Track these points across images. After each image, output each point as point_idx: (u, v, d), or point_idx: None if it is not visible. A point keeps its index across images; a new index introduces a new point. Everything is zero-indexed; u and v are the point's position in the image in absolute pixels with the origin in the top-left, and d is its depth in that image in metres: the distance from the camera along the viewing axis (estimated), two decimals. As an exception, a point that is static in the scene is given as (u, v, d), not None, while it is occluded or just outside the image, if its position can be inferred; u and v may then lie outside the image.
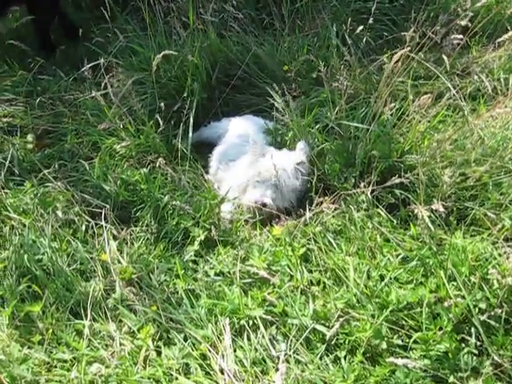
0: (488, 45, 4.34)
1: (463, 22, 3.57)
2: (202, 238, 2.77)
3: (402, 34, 3.37)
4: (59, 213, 2.98)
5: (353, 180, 2.97)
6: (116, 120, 3.33)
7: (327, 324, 2.37)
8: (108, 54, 3.74)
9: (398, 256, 2.63)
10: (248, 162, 3.13)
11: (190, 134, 3.26)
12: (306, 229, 2.79)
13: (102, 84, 3.36)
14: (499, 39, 3.15)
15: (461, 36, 3.35)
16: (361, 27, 3.28)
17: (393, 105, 3.05)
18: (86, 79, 3.69)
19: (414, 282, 2.51)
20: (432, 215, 2.67)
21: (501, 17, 4.47)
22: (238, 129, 3.53)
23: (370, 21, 3.45)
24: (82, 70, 3.39)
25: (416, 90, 3.63)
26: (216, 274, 2.67)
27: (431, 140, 2.97)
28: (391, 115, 3.05)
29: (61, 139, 3.60)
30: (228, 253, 2.75)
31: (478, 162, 2.93)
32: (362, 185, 2.88)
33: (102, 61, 3.40)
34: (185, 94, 3.61)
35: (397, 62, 3.06)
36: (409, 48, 3.06)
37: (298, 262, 2.63)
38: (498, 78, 3.84)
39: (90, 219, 2.99)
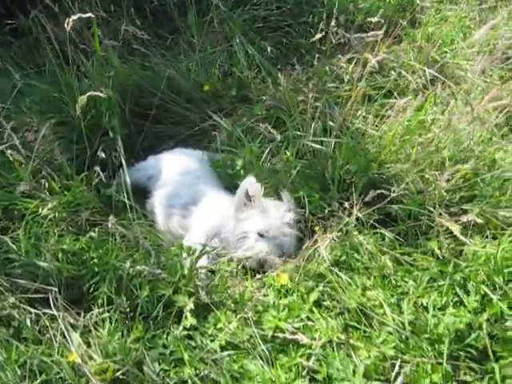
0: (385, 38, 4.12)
1: (374, 19, 3.29)
2: (192, 306, 2.14)
3: (316, 38, 2.94)
4: (-13, 308, 2.18)
5: (336, 204, 2.51)
6: (30, 177, 2.56)
7: (383, 378, 1.90)
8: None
9: (417, 279, 2.22)
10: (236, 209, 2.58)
11: (128, 180, 2.58)
12: (311, 268, 2.28)
13: (5, 136, 2.55)
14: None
15: (381, 32, 3.01)
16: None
17: (360, 112, 2.66)
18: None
19: (451, 304, 2.12)
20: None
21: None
22: (176, 166, 2.92)
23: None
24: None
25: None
26: (223, 348, 2.06)
27: (410, 144, 2.60)
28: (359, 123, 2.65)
29: (-41, 211, 2.72)
30: (229, 318, 2.15)
31: (454, 160, 2.63)
32: (347, 205, 2.45)
33: (-4, 107, 2.60)
34: (100, 134, 2.92)
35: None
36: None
37: (317, 310, 2.13)
38: (414, 70, 3.61)
39: (31, 309, 2.22)
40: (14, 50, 3.59)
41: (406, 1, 4.32)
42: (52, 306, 2.18)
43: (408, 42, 3.97)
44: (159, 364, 2.02)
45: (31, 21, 3.47)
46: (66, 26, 2.45)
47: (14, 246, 2.40)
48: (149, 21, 3.82)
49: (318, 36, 2.71)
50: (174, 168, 2.90)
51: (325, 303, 2.19)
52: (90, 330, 2.18)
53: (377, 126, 2.88)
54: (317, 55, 3.63)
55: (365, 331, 2.07)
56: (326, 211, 2.53)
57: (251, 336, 2.05)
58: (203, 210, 2.63)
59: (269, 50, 3.76)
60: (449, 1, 4.44)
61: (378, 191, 2.27)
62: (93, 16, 2.43)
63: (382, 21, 3.31)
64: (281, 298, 2.20)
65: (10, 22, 3.53)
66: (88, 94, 2.29)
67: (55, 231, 2.50)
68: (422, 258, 2.31)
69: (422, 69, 3.51)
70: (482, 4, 4.39)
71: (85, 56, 3.04)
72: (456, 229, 2.07)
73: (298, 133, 2.72)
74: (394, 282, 2.23)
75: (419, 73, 3.53)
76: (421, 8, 4.30)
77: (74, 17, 2.44)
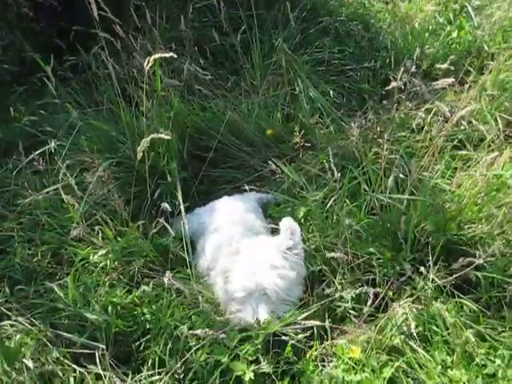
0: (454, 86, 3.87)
1: (444, 66, 3.06)
2: (251, 375, 1.89)
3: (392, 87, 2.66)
4: (29, 362, 1.97)
5: (409, 266, 2.24)
6: (83, 221, 2.37)
7: None
8: (50, 136, 2.74)
9: (505, 358, 1.94)
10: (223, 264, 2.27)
11: (187, 229, 2.35)
12: (383, 340, 2.01)
13: (60, 175, 2.39)
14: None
15: (452, 79, 2.75)
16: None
17: (438, 167, 2.41)
18: (22, 169, 2.71)
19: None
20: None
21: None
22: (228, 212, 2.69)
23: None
24: (29, 158, 2.42)
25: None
26: (287, 428, 1.80)
27: (491, 204, 2.33)
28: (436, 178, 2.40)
29: (6, 252, 2.54)
30: (292, 391, 1.89)
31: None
32: (423, 269, 2.17)
33: (52, 145, 2.44)
34: (157, 176, 2.74)
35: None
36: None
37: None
38: (486, 121, 3.34)
39: (75, 366, 2.02)
40: (72, 85, 3.48)
41: (474, 47, 4.09)
42: (98, 363, 1.98)
43: (478, 89, 3.71)
44: None
45: (92, 57, 3.38)
46: (145, 65, 2.29)
47: (61, 294, 2.21)
48: (209, 61, 3.66)
49: (394, 84, 2.46)
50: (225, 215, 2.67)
51: (400, 381, 1.92)
52: (138, 394, 1.96)
53: (451, 179, 2.63)
54: (384, 102, 3.45)
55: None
56: (398, 273, 2.27)
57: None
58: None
59: (331, 94, 3.56)
60: (518, 47, 4.17)
61: (469, 259, 1.99)
62: (173, 55, 2.24)
63: (452, 68, 3.07)
64: (349, 371, 1.93)
65: (70, 58, 3.43)
66: (151, 136, 2.10)
67: (106, 280, 2.31)
68: (510, 334, 2.02)
69: (495, 120, 3.27)
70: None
71: (145, 95, 2.87)
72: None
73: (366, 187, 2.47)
74: (478, 360, 1.95)
75: (492, 124, 3.27)
76: (489, 54, 4.05)
77: (156, 56, 2.28)
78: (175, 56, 2.25)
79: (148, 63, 2.20)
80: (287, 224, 2.27)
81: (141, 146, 2.11)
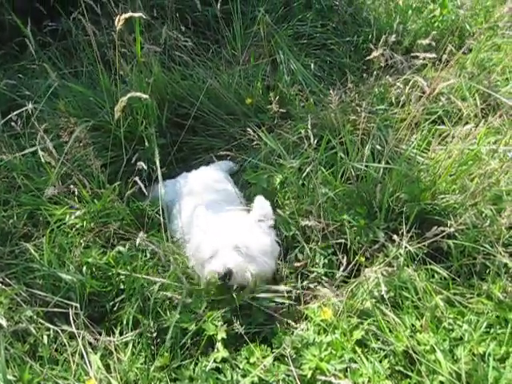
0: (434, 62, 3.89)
1: (425, 41, 3.07)
2: (224, 335, 1.91)
3: (373, 56, 2.67)
4: (3, 321, 1.97)
5: (382, 233, 2.27)
6: (59, 182, 2.36)
7: None
8: (29, 100, 2.68)
9: (472, 323, 1.97)
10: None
11: (163, 192, 2.37)
12: (354, 304, 2.03)
13: (38, 138, 2.35)
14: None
15: (432, 55, 2.78)
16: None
17: (414, 137, 2.43)
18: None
19: (512, 355, 1.86)
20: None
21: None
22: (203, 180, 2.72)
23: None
24: (6, 119, 2.39)
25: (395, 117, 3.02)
26: (256, 386, 1.83)
27: (464, 176, 2.36)
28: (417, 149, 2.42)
29: (-19, 214, 2.52)
30: (263, 351, 1.91)
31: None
32: (396, 237, 2.19)
33: (30, 106, 2.40)
34: (135, 142, 2.72)
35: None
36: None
37: (361, 350, 1.89)
38: (464, 97, 3.36)
39: (50, 325, 2.02)
40: (52, 51, 3.43)
41: (456, 25, 4.09)
42: (72, 322, 1.98)
43: (458, 67, 3.74)
44: (185, 400, 1.80)
45: (72, 22, 3.32)
46: (116, 23, 2.26)
47: (36, 255, 2.21)
48: (191, 30, 3.63)
49: (375, 54, 2.47)
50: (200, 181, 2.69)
51: (369, 343, 1.95)
52: (110, 353, 1.97)
53: (426, 152, 2.66)
54: (364, 75, 3.46)
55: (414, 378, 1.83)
56: (371, 240, 2.29)
57: (288, 375, 1.82)
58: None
59: (312, 67, 3.55)
60: (499, 28, 4.19)
61: (441, 228, 2.02)
62: (142, 16, 2.21)
63: (433, 43, 3.08)
64: (320, 333, 1.96)
65: (50, 23, 3.37)
66: (129, 95, 2.08)
67: (81, 242, 2.30)
68: (478, 300, 2.06)
69: (473, 97, 3.29)
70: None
71: (125, 60, 2.84)
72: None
73: (343, 155, 2.49)
74: (446, 324, 1.98)
75: (470, 100, 3.29)
76: (470, 33, 4.07)
77: (126, 15, 2.24)
78: (144, 17, 2.22)
79: (119, 21, 2.17)
80: (261, 202, 2.31)
81: (118, 104, 2.09)
